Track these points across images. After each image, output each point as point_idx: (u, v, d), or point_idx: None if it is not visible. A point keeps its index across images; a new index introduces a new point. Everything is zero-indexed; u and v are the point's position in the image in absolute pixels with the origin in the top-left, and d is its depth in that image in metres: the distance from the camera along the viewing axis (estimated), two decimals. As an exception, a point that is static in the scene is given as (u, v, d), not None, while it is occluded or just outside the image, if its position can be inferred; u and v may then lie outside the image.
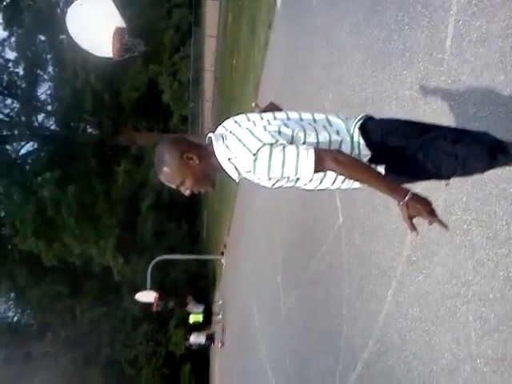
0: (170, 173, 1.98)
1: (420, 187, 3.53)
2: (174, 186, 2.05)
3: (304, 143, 1.94)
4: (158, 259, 18.54)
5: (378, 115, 2.31)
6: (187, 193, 2.06)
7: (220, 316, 18.28)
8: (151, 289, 16.89)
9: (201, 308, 18.82)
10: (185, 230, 29.42)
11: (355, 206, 4.82)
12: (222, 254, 19.17)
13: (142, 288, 17.19)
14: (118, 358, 28.79)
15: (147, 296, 16.44)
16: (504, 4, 2.81)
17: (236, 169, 1.97)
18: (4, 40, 31.65)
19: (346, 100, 5.23)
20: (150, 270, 17.60)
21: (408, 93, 3.82)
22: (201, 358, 27.62)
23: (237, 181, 2.08)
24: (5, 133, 29.24)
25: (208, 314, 20.08)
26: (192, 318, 18.78)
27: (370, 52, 4.79)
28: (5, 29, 31.31)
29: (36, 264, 26.60)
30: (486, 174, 2.78)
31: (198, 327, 19.58)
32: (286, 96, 8.46)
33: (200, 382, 28.17)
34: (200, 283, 26.43)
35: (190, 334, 19.18)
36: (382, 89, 4.32)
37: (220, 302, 18.95)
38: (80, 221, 25.90)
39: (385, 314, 3.95)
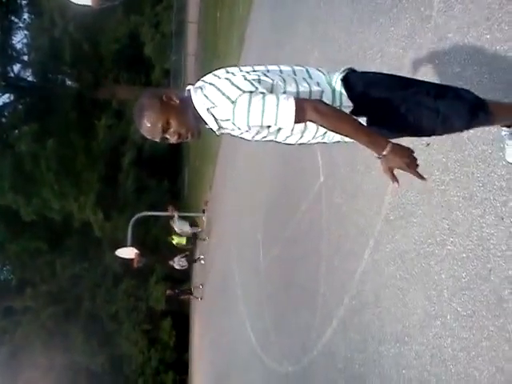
0: (152, 116, 1.90)
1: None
2: (158, 135, 1.94)
3: (284, 93, 1.90)
4: (138, 215, 18.48)
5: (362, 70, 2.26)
6: (174, 139, 1.96)
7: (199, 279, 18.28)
8: (132, 245, 16.87)
9: (186, 225, 17.52)
10: (166, 186, 29.29)
11: (336, 165, 4.82)
12: (204, 211, 19.20)
13: (123, 244, 17.19)
14: (99, 312, 29.12)
15: (128, 252, 16.40)
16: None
17: (215, 119, 1.93)
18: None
19: (332, 57, 5.14)
20: (130, 226, 17.58)
21: (393, 50, 3.76)
22: (181, 314, 28.11)
23: (217, 133, 2.03)
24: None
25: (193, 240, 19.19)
26: (176, 239, 17.97)
27: (357, 7, 4.67)
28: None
29: (15, 219, 26.37)
30: (466, 135, 2.78)
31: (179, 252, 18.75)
32: (271, 50, 8.28)
33: (180, 336, 28.78)
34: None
35: (173, 258, 18.48)
36: (368, 45, 4.24)
37: (202, 261, 19.06)
38: (59, 176, 25.58)
39: (361, 272, 4.02)
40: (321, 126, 1.91)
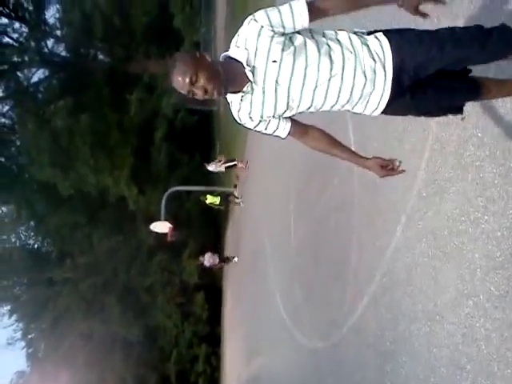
0: (182, 68, 1.94)
1: (434, 121, 3.42)
2: (186, 87, 1.96)
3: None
4: (172, 190, 18.67)
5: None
6: (200, 93, 1.97)
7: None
8: (165, 219, 17.11)
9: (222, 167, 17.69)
10: (198, 160, 29.49)
11: (369, 139, 4.72)
12: (235, 186, 19.26)
13: (157, 218, 17.46)
14: (135, 285, 29.89)
15: (161, 226, 16.65)
16: None
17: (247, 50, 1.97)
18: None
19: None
20: (164, 200, 17.81)
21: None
22: (214, 288, 28.56)
23: (246, 68, 1.98)
24: (15, 59, 28.80)
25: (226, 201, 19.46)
26: (209, 199, 18.36)
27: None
28: None
29: (53, 193, 27.10)
30: (503, 110, 2.66)
31: (211, 249, 19.22)
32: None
33: (213, 310, 29.33)
34: (213, 215, 26.79)
35: (204, 255, 18.96)
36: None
37: (235, 259, 19.06)
38: (94, 150, 26.02)
39: (393, 249, 3.97)
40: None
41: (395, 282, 3.87)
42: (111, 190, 27.12)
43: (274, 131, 2.22)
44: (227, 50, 2.06)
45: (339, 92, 2.02)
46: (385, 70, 2.01)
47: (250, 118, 2.14)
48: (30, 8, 30.03)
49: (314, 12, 1.94)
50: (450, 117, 2.54)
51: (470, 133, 2.99)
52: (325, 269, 6.11)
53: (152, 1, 28.94)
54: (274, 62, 1.93)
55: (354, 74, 1.99)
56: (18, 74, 29.55)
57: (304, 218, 7.46)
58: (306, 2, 1.93)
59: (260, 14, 1.93)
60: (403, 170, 2.20)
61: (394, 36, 2.04)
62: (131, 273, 29.78)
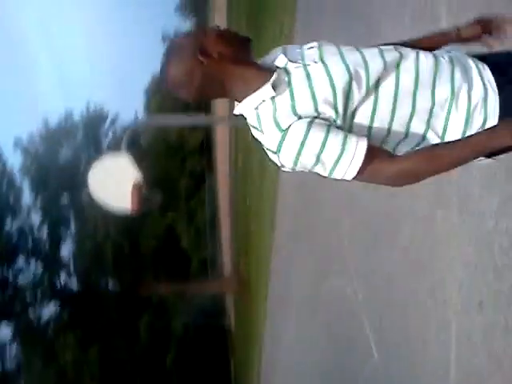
0: (173, 74, 1.38)
1: None
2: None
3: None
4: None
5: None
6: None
7: None
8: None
9: None
10: None
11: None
12: None
13: None
14: None
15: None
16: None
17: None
18: (29, 206, 33.04)
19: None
20: None
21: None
22: None
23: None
24: (28, 299, 29.14)
25: None
26: None
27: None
28: (31, 192, 32.87)
29: None
30: None
31: None
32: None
33: None
34: None
35: None
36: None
37: None
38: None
39: None
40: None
41: None
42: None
43: (342, 149, 1.31)
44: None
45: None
46: None
47: (298, 115, 1.33)
48: (47, 247, 31.65)
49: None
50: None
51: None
52: None
53: (160, 224, 30.65)
54: None
55: None
56: (29, 311, 29.59)
57: None
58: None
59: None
60: None
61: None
62: None
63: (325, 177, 1.39)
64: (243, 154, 18.73)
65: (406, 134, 1.39)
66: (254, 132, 1.42)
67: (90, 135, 34.66)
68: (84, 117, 35.15)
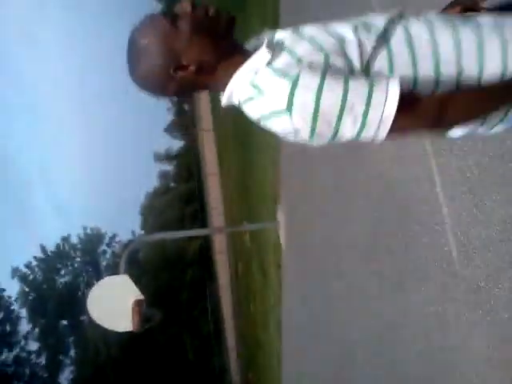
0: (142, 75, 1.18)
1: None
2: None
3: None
4: None
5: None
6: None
7: None
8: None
9: None
10: None
11: None
12: None
13: None
14: None
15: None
16: None
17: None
18: (28, 333, 32.31)
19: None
20: None
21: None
22: None
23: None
24: None
25: None
26: None
27: None
28: (29, 321, 32.26)
29: None
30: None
31: None
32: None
33: None
34: None
35: None
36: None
37: None
38: None
39: None
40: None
41: None
42: None
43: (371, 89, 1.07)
44: None
45: None
46: None
47: (299, 60, 1.12)
48: (45, 375, 30.48)
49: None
50: None
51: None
52: None
53: (163, 338, 29.84)
54: None
55: None
56: None
57: None
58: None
59: None
60: None
61: None
62: None
63: (353, 139, 1.13)
64: (243, 260, 18.90)
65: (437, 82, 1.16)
66: (250, 106, 1.15)
67: (87, 257, 34.95)
68: (81, 239, 35.69)
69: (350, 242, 5.71)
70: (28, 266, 34.68)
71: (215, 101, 25.96)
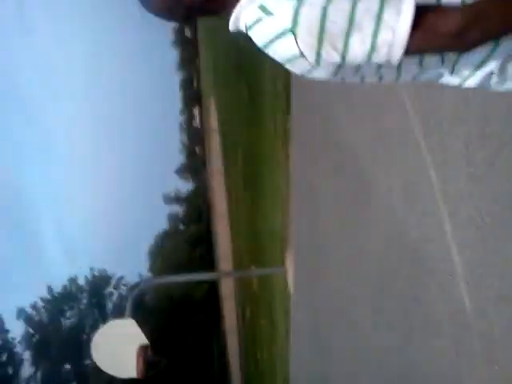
0: None
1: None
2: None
3: None
4: None
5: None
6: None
7: None
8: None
9: None
10: None
11: None
12: None
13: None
14: None
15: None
16: None
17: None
18: (30, 377, 31.68)
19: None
20: None
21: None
22: None
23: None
24: None
25: None
26: None
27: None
28: (32, 364, 31.69)
29: None
30: None
31: None
32: None
33: None
34: None
35: None
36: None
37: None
38: None
39: None
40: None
41: None
42: None
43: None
44: None
45: None
46: None
47: None
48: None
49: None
50: None
51: None
52: None
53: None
54: None
55: None
56: None
57: None
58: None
59: None
60: None
61: None
62: None
63: (364, 59, 1.00)
64: (250, 306, 18.62)
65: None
66: (257, 29, 1.10)
67: (93, 299, 34.60)
68: (88, 281, 35.44)
69: (360, 291, 5.61)
70: (34, 306, 34.45)
71: (226, 140, 26.10)
